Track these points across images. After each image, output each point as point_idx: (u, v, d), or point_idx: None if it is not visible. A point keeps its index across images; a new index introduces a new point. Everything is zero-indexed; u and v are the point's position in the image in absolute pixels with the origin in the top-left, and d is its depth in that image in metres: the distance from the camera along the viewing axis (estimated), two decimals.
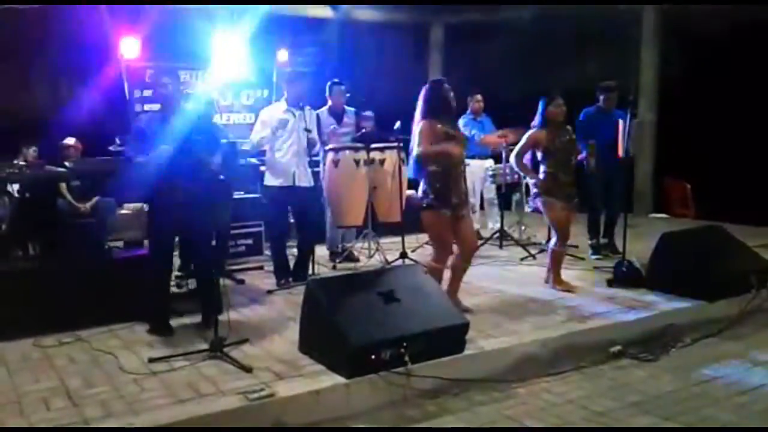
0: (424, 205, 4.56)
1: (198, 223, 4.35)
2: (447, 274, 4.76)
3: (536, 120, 5.33)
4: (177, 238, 4.55)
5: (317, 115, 6.32)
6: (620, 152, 5.84)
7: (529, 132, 5.31)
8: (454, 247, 4.69)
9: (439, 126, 4.52)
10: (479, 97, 7.67)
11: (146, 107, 7.33)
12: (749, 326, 4.82)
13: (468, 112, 7.65)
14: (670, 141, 9.35)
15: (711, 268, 5.07)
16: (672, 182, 9.72)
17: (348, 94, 6.58)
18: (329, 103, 6.57)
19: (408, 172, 5.90)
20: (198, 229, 4.41)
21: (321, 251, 6.32)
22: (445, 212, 4.50)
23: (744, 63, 8.22)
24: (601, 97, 6.52)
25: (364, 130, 6.59)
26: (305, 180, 5.57)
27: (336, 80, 6.62)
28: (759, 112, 7.81)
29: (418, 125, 4.59)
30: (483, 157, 7.48)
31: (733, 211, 7.66)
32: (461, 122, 7.54)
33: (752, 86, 7.92)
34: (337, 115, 6.57)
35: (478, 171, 7.45)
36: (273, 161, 5.58)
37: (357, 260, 6.47)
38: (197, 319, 4.54)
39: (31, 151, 6.30)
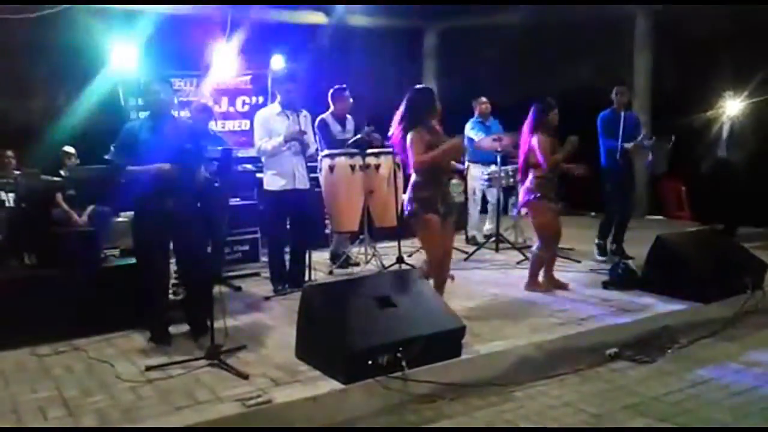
0: (411, 214, 4.54)
1: (189, 230, 4.29)
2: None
3: (539, 125, 5.34)
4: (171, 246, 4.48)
5: (323, 120, 6.32)
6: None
7: (543, 138, 5.27)
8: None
9: (424, 134, 4.49)
10: (484, 99, 7.67)
11: (141, 114, 7.33)
12: (744, 327, 4.83)
13: (476, 115, 7.65)
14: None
15: (706, 269, 5.10)
16: (667, 184, 9.75)
17: (351, 100, 6.45)
18: (331, 108, 6.44)
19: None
20: (190, 237, 4.32)
21: (317, 257, 6.31)
22: (433, 216, 4.48)
23: (736, 65, 8.25)
24: (614, 98, 6.59)
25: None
26: (303, 182, 5.56)
27: (340, 86, 6.46)
28: (752, 114, 7.83)
29: (408, 135, 4.51)
30: (486, 163, 7.39)
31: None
32: (468, 125, 7.56)
33: (744, 88, 7.94)
34: (341, 121, 6.48)
35: (478, 175, 7.47)
36: (274, 164, 5.53)
37: (357, 264, 6.47)
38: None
39: (8, 153, 6.10)
